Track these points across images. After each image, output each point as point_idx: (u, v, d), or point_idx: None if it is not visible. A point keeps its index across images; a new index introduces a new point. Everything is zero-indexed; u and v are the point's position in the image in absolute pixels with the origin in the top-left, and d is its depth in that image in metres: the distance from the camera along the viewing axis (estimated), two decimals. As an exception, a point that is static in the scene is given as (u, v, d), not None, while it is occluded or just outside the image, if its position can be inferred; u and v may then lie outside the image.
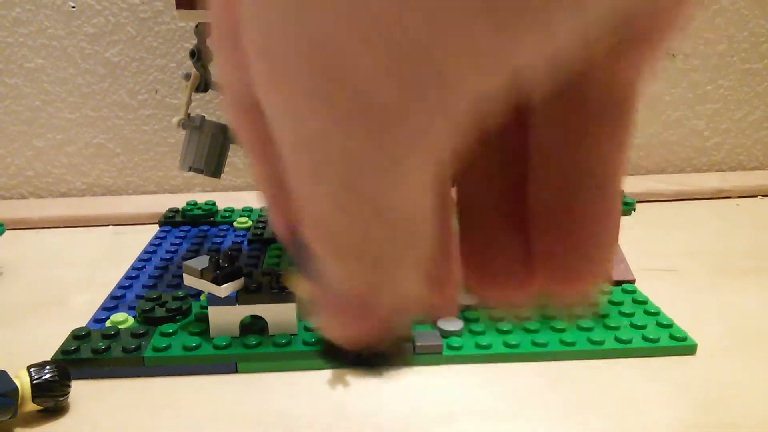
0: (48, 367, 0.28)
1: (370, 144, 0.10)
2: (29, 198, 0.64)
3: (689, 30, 0.67)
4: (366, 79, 0.09)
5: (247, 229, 0.53)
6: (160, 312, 0.35)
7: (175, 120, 0.44)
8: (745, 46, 0.68)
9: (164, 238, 0.50)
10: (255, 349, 0.32)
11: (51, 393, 0.28)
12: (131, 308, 0.38)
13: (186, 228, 0.53)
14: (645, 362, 0.33)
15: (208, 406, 0.30)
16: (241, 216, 0.55)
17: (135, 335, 0.33)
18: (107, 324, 0.35)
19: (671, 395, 0.30)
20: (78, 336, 0.33)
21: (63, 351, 0.32)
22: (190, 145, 0.44)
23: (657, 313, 0.37)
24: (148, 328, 0.34)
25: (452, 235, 0.14)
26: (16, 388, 0.27)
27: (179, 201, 0.58)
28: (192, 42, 0.44)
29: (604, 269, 0.13)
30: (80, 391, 0.30)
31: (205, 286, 0.33)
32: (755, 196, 0.64)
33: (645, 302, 0.38)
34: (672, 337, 0.34)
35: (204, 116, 0.44)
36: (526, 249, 0.14)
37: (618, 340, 0.34)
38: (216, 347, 0.32)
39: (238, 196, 0.64)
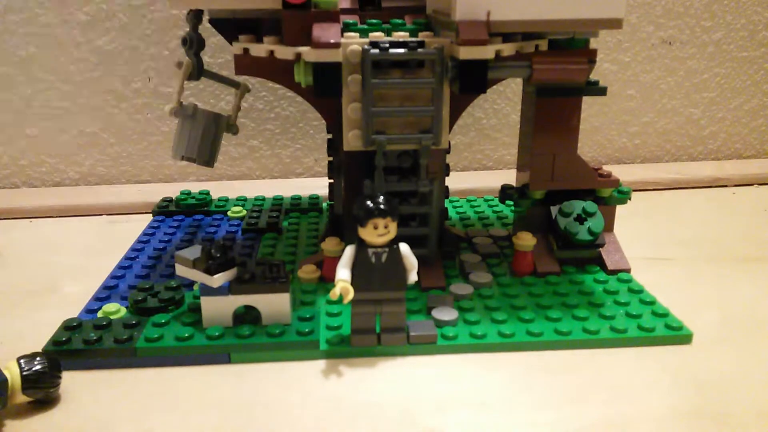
0: (38, 359, 0.28)
1: None
2: (22, 187, 0.64)
3: (686, 17, 0.66)
4: None
5: (241, 218, 0.52)
6: (152, 302, 0.35)
7: (167, 108, 0.43)
8: (743, 34, 0.68)
9: (158, 227, 0.50)
10: (248, 340, 0.32)
11: (41, 384, 0.28)
12: (124, 298, 0.38)
13: (180, 217, 0.52)
14: (640, 351, 0.33)
15: (200, 396, 0.29)
16: (235, 205, 0.55)
17: (127, 326, 0.33)
18: (99, 314, 0.35)
19: (666, 384, 0.30)
20: (69, 327, 0.33)
21: (54, 342, 0.32)
22: (182, 133, 0.44)
23: (652, 303, 0.37)
24: (140, 319, 0.34)
25: None
26: (6, 380, 0.27)
27: (173, 190, 0.57)
28: (184, 29, 0.43)
29: None
30: (72, 382, 0.30)
31: (198, 276, 0.32)
32: (751, 184, 0.63)
33: (640, 291, 0.38)
34: (667, 327, 0.34)
35: (197, 104, 0.44)
36: None
37: (613, 329, 0.34)
38: (209, 337, 0.32)
39: (232, 186, 0.63)
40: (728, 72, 0.69)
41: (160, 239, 0.47)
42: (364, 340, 0.32)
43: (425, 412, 0.28)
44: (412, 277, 0.32)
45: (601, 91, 0.40)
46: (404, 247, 0.32)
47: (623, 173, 0.49)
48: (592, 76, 0.40)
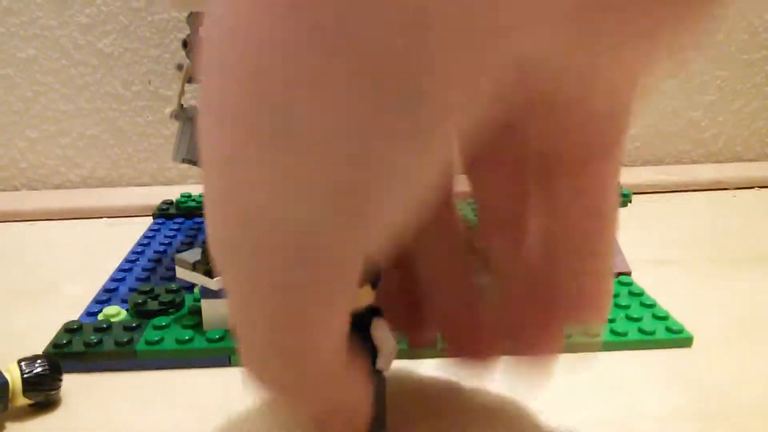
0: (39, 361, 0.28)
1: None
2: (22, 190, 0.64)
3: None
4: None
5: (242, 221, 0.52)
6: (152, 305, 0.35)
7: (167, 111, 0.43)
8: (744, 36, 0.68)
9: (158, 230, 0.50)
10: (248, 342, 0.32)
11: (42, 387, 0.28)
12: (124, 301, 0.38)
13: (180, 220, 0.52)
14: (640, 355, 0.33)
15: (201, 399, 0.29)
16: (235, 208, 0.54)
17: (127, 328, 0.33)
18: (99, 317, 0.35)
19: (667, 387, 0.30)
20: (70, 329, 0.33)
21: (54, 344, 0.32)
22: (183, 136, 0.44)
23: (653, 305, 0.37)
24: (140, 322, 0.34)
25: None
26: (6, 382, 0.27)
27: (174, 193, 0.57)
28: (185, 32, 0.43)
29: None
30: (72, 384, 0.30)
31: (198, 279, 0.32)
32: (752, 187, 0.63)
33: (641, 294, 0.38)
34: (668, 330, 0.34)
35: (197, 107, 0.44)
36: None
37: (613, 332, 0.34)
38: (209, 340, 0.32)
39: (233, 188, 0.63)
40: (729, 74, 0.69)
41: (160, 242, 0.47)
42: (364, 343, 0.32)
43: (425, 416, 0.28)
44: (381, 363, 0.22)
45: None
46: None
47: (624, 176, 0.48)
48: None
